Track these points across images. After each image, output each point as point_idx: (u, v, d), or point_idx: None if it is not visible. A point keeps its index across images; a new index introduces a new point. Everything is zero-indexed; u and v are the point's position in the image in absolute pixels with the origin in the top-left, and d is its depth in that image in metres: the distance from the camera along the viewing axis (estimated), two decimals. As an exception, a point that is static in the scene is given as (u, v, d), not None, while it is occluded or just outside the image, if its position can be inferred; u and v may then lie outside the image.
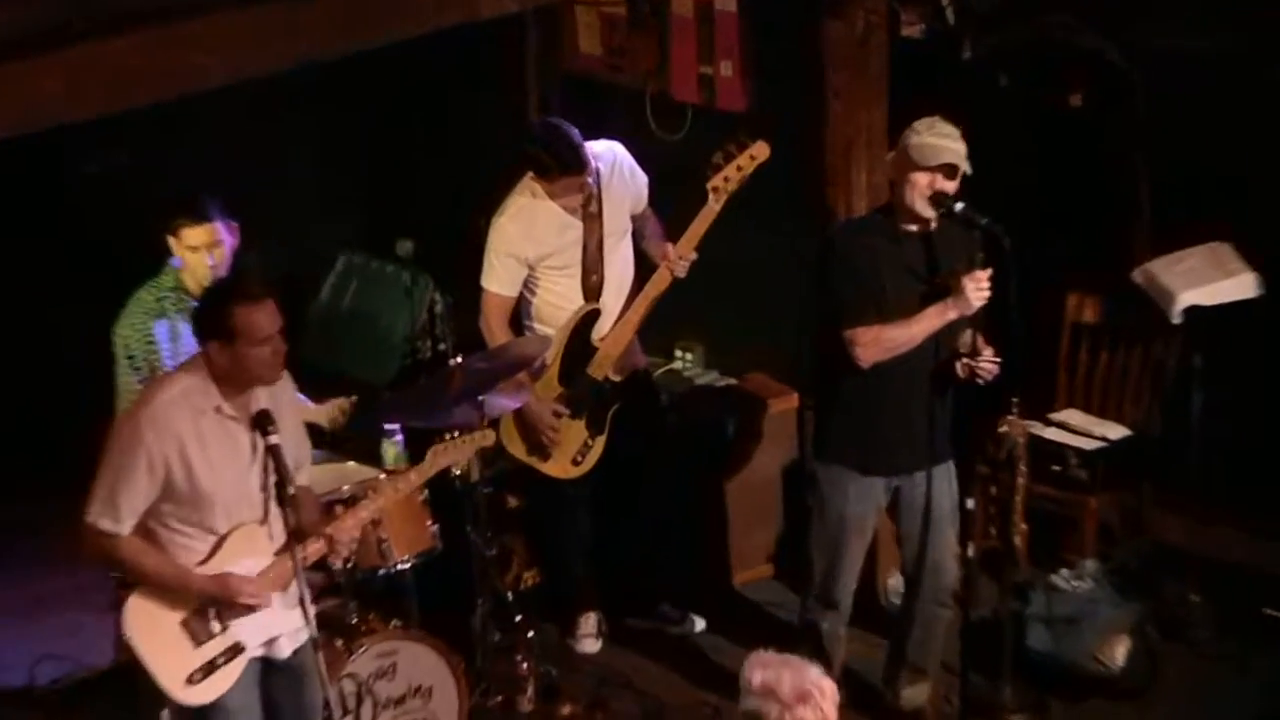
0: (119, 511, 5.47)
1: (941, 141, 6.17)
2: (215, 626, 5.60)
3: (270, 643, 5.69)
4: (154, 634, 5.55)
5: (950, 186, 6.19)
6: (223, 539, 5.56)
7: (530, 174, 7.00)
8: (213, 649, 5.60)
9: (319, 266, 8.61)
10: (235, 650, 5.62)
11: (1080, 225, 7.75)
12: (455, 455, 6.09)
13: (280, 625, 5.66)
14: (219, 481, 5.50)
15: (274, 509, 5.55)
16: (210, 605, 5.56)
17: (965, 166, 6.19)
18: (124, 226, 6.72)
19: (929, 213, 6.22)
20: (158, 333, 6.46)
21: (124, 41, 5.62)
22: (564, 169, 6.90)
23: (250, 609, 5.58)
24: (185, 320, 6.36)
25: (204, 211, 6.43)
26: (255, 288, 5.51)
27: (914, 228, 6.30)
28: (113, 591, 6.15)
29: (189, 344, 6.22)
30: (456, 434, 6.14)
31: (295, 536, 5.47)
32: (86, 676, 6.97)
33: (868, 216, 6.65)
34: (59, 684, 7.01)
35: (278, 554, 5.60)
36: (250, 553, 5.60)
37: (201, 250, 6.43)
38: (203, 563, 5.56)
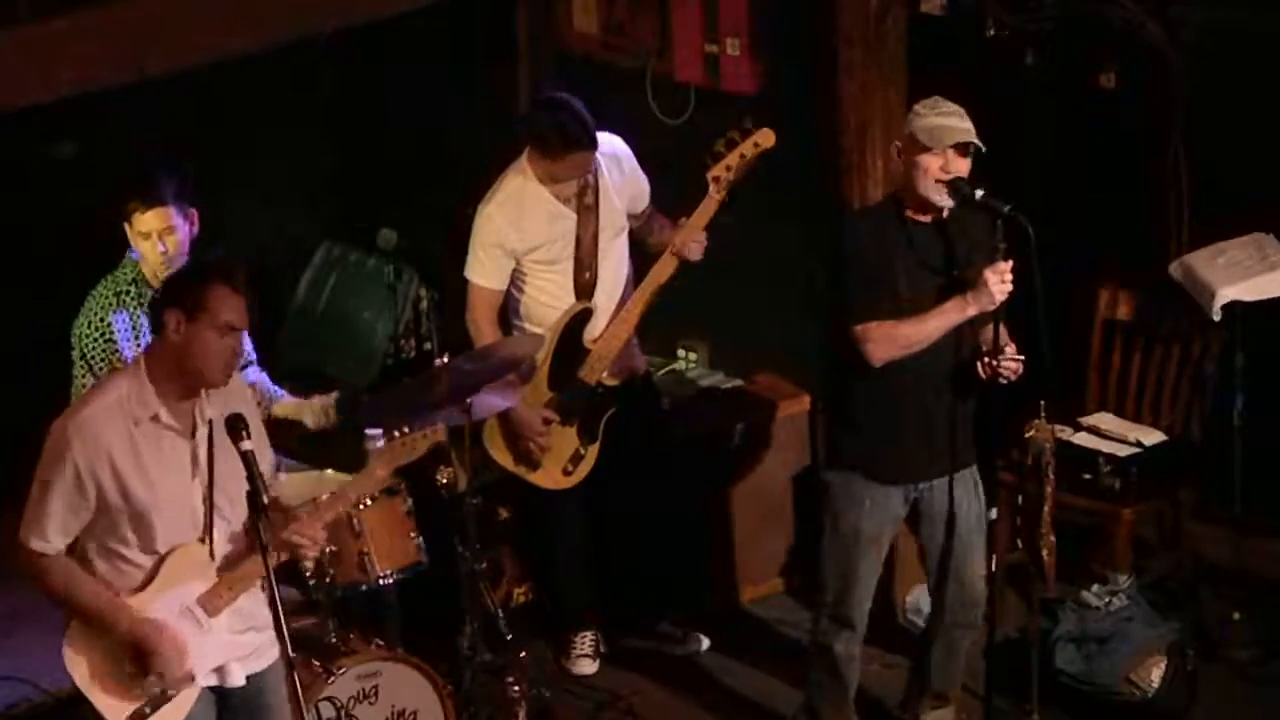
0: (46, 529, 5.37)
1: (948, 121, 6.15)
2: None
3: (220, 670, 5.59)
4: (95, 664, 5.48)
5: (965, 165, 6.16)
6: (161, 560, 5.47)
7: (528, 153, 6.95)
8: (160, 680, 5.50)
9: (295, 259, 8.58)
10: (184, 680, 5.52)
11: (1112, 215, 7.70)
12: (401, 457, 5.91)
13: (229, 651, 5.59)
14: (156, 496, 5.40)
15: (217, 525, 5.48)
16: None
17: (979, 143, 6.15)
18: (77, 219, 6.66)
19: (944, 200, 6.20)
20: (116, 326, 6.43)
21: (66, 23, 5.55)
22: (570, 145, 6.82)
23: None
24: (146, 315, 6.36)
25: (157, 194, 6.37)
26: (239, 277, 5.40)
27: (926, 217, 6.28)
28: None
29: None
30: (406, 431, 5.97)
31: (263, 551, 5.33)
32: (45, 702, 6.88)
33: (879, 205, 6.62)
34: (15, 710, 6.94)
35: (220, 572, 5.53)
36: (191, 575, 5.50)
37: (154, 237, 6.37)
38: (140, 588, 5.46)
